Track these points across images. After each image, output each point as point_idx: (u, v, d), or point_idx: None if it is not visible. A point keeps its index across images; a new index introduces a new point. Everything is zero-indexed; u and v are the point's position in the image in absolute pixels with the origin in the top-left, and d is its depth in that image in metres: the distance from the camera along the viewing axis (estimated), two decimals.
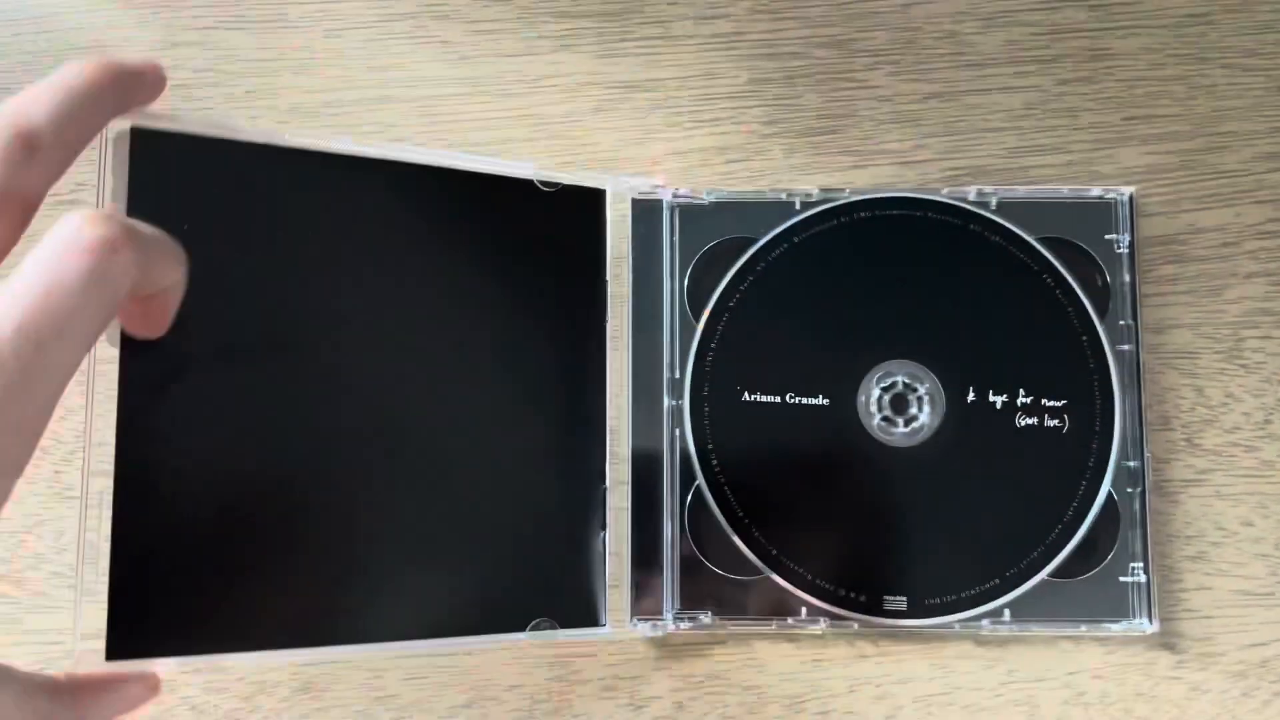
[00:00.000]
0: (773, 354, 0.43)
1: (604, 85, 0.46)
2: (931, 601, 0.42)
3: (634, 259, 0.44)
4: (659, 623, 0.42)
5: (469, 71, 0.46)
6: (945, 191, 0.44)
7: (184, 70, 0.45)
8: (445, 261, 0.40)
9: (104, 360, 0.33)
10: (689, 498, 0.43)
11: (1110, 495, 0.42)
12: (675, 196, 0.44)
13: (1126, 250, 0.43)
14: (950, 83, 0.46)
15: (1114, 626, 0.42)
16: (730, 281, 0.44)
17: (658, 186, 0.44)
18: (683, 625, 0.42)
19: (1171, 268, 0.44)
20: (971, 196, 0.44)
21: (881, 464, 0.43)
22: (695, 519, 0.43)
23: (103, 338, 0.30)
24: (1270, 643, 0.43)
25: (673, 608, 0.42)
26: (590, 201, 0.43)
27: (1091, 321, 0.43)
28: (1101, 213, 0.44)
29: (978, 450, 0.43)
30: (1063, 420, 0.43)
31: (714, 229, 0.44)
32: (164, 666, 0.33)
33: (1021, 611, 0.42)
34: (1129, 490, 0.42)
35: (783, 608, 0.42)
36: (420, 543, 0.39)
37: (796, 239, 0.44)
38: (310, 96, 0.45)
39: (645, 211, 0.44)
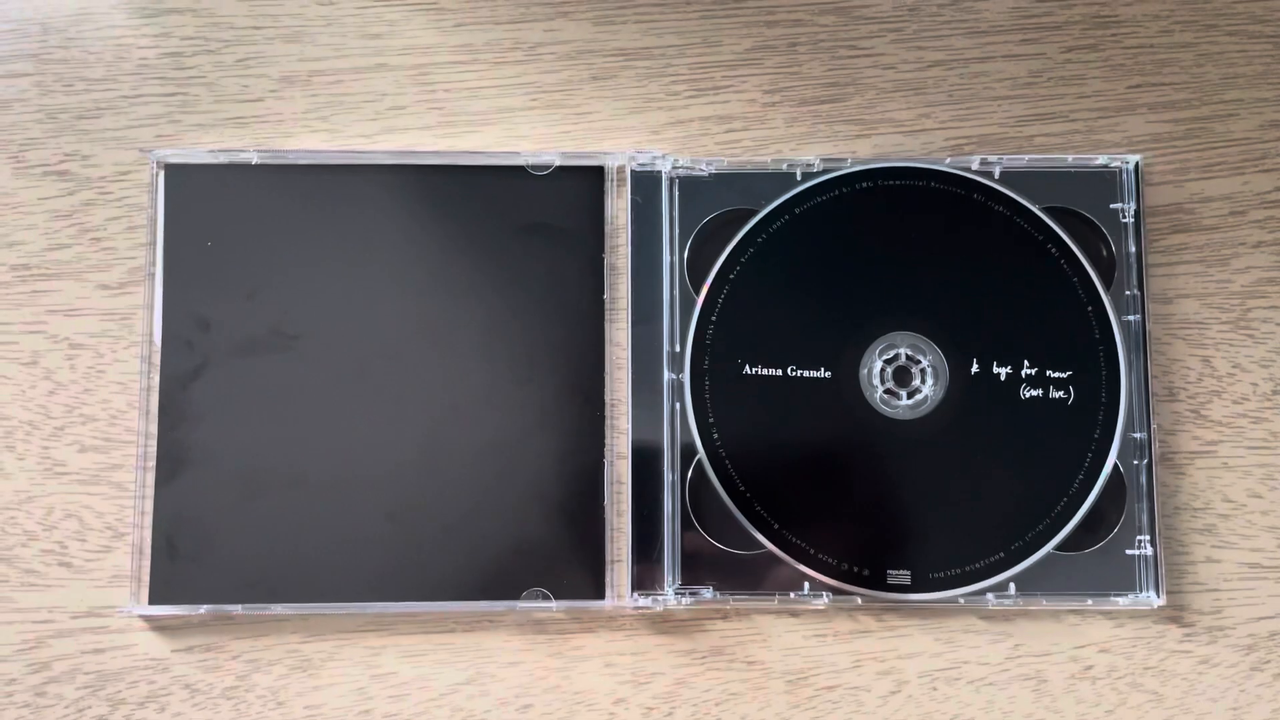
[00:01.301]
0: (774, 327, 0.43)
1: (602, 53, 0.45)
2: (936, 575, 0.41)
3: (633, 232, 0.43)
4: (659, 597, 0.41)
5: (464, 39, 0.45)
6: (948, 161, 0.43)
7: (174, 39, 0.44)
8: (446, 250, 0.43)
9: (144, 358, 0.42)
10: (690, 472, 0.42)
11: (1116, 467, 0.42)
12: (675, 168, 0.43)
13: (1132, 219, 0.43)
14: (955, 50, 0.45)
15: (1120, 600, 0.41)
16: (730, 254, 0.43)
17: (656, 157, 0.43)
18: (684, 600, 0.41)
19: (1179, 237, 0.44)
20: (975, 166, 0.43)
21: (884, 437, 0.42)
22: (697, 493, 0.42)
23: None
24: (1279, 615, 0.42)
25: (673, 582, 0.41)
26: (588, 177, 0.43)
27: (1097, 291, 0.42)
28: (1106, 182, 0.43)
29: (982, 423, 0.42)
30: (1068, 392, 0.42)
31: (714, 201, 0.43)
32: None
33: (1027, 585, 0.41)
34: (1135, 463, 0.42)
35: (785, 582, 0.41)
36: (421, 514, 0.42)
37: (797, 210, 0.43)
38: (303, 65, 0.44)
39: (643, 184, 0.43)
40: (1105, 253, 0.43)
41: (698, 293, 0.43)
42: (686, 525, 0.42)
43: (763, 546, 0.42)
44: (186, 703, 0.41)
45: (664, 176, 0.43)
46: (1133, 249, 0.43)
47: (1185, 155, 0.44)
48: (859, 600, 0.41)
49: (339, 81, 0.44)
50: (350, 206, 0.43)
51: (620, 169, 0.43)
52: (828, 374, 0.42)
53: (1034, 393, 0.42)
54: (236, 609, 0.41)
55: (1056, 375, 0.42)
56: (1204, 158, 0.44)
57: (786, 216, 0.43)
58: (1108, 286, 0.43)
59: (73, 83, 0.44)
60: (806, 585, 0.41)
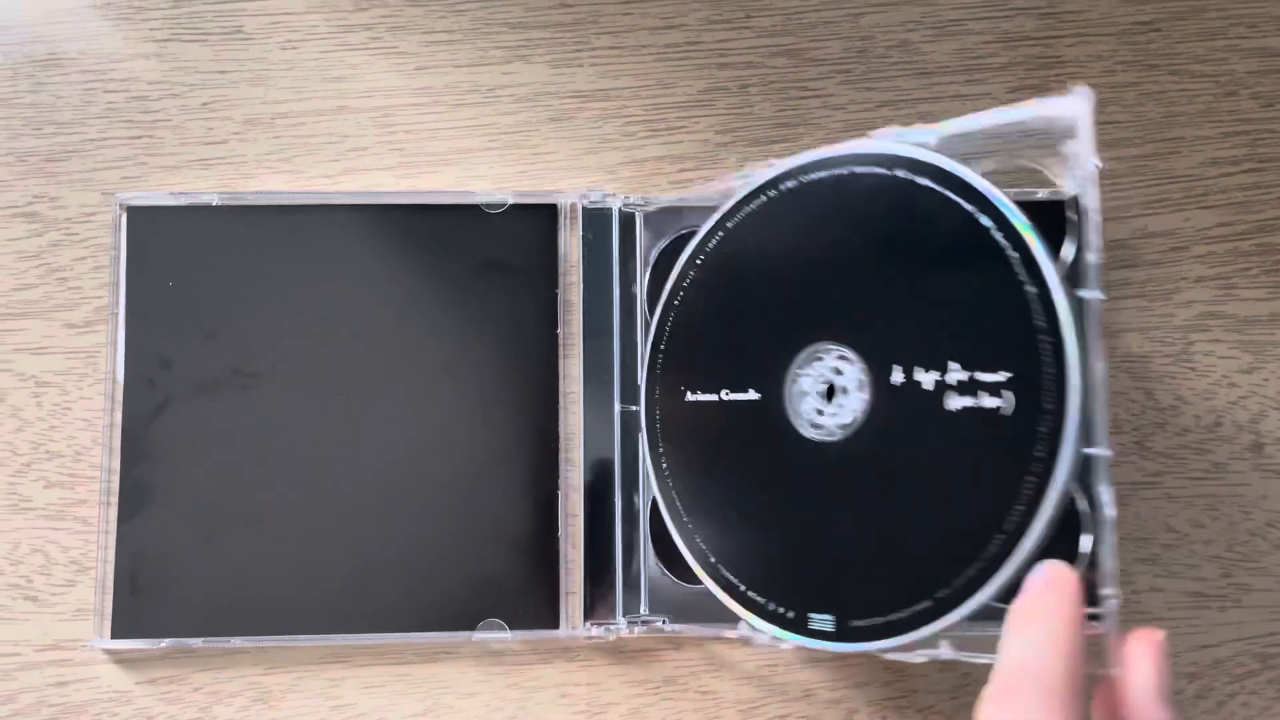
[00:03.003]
0: (709, 351, 0.41)
1: (558, 95, 0.46)
2: (858, 624, 0.35)
3: (584, 268, 0.44)
4: (611, 626, 0.42)
5: (424, 82, 0.46)
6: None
7: (140, 83, 0.46)
8: (405, 288, 0.44)
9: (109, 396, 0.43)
10: (638, 503, 0.43)
11: (1069, 495, 0.32)
12: (625, 205, 0.44)
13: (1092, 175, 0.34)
14: (902, 91, 0.46)
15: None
16: (675, 279, 0.41)
17: (607, 196, 0.44)
18: (636, 629, 0.42)
19: (1122, 272, 0.45)
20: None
21: (808, 462, 0.37)
22: (650, 523, 0.43)
23: None
24: (1223, 644, 0.43)
25: (625, 612, 0.42)
26: (542, 215, 0.45)
27: (1038, 268, 0.33)
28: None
29: (906, 444, 0.35)
30: (1005, 399, 0.33)
31: (668, 230, 0.44)
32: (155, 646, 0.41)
33: (965, 644, 0.34)
34: (1094, 487, 0.32)
35: (729, 615, 0.39)
36: (376, 547, 0.43)
37: (730, 224, 0.40)
38: (266, 108, 0.45)
39: (594, 220, 0.44)
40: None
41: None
42: (639, 555, 0.43)
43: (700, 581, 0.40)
44: None
45: (614, 212, 0.44)
46: (1091, 208, 0.32)
47: (1128, 192, 0.45)
48: (782, 646, 0.37)
49: (301, 124, 0.45)
50: (310, 246, 0.44)
51: (573, 206, 0.44)
52: (757, 396, 0.39)
53: (964, 402, 0.34)
54: (198, 643, 0.42)
55: (989, 379, 0.34)
56: (1146, 194, 0.45)
57: (721, 233, 0.41)
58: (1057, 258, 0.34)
59: (41, 126, 0.45)
60: (742, 625, 0.38)
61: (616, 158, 0.46)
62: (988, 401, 0.33)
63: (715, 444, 0.40)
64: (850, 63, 0.46)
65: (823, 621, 0.36)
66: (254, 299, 0.44)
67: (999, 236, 0.34)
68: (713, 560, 0.40)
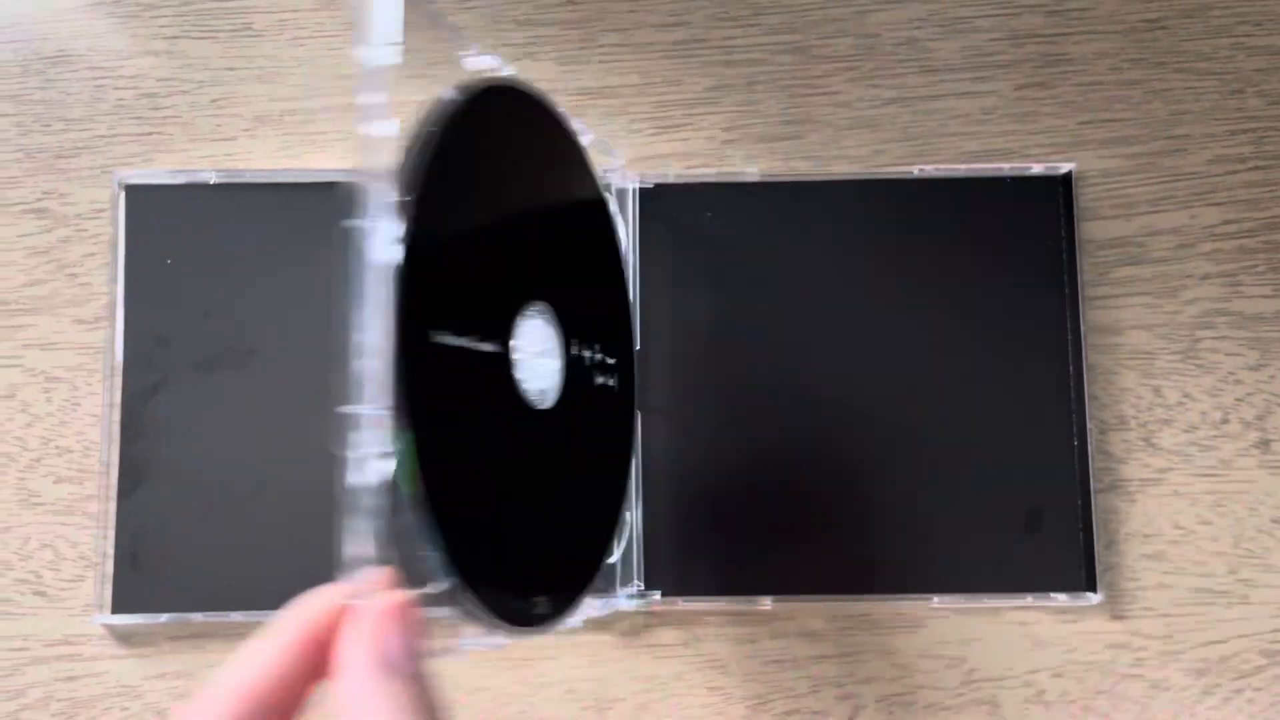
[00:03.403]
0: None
1: (566, 92, 0.46)
2: (517, 604, 0.33)
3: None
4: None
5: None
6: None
7: (150, 79, 0.46)
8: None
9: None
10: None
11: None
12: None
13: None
14: (909, 88, 0.46)
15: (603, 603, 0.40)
16: None
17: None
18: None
19: (1128, 270, 0.45)
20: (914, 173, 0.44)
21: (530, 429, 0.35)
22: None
23: None
24: (1229, 640, 0.43)
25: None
26: None
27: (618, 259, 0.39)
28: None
29: (574, 419, 0.36)
30: (615, 379, 0.38)
31: None
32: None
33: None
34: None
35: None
36: None
37: None
38: (275, 104, 0.46)
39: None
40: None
41: None
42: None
43: None
44: None
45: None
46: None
47: (1134, 190, 0.45)
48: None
49: (310, 121, 0.46)
50: (307, 223, 0.44)
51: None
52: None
53: (601, 380, 0.37)
54: (198, 617, 0.42)
55: (611, 362, 0.38)
56: (1153, 192, 0.45)
57: None
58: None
59: (51, 122, 0.45)
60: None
61: (624, 155, 0.46)
62: (608, 381, 0.38)
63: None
64: (857, 60, 0.46)
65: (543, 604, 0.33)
66: (250, 276, 0.44)
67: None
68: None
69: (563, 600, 0.33)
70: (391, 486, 0.25)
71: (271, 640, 0.24)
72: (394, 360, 0.25)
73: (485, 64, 0.34)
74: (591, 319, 0.37)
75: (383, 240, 0.26)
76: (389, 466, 0.25)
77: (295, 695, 0.24)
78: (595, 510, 0.37)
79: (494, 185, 0.32)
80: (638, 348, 0.42)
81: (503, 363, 0.32)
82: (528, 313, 0.33)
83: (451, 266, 0.29)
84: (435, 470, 0.26)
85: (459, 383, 0.29)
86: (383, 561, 0.25)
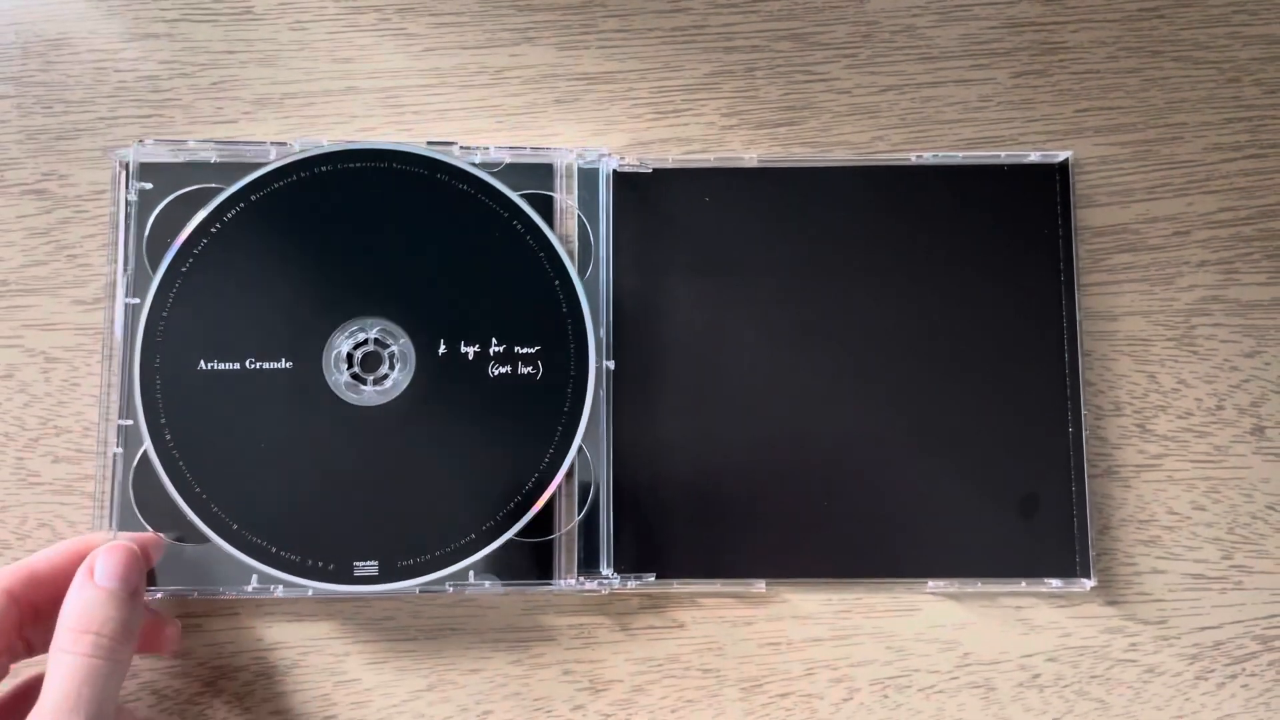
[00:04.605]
0: (233, 319, 0.42)
1: (565, 77, 0.46)
2: (405, 563, 0.41)
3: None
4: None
5: (432, 63, 0.46)
6: (425, 144, 0.43)
7: (150, 62, 0.46)
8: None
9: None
10: (134, 466, 0.41)
11: (582, 449, 0.42)
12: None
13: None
14: (907, 76, 0.46)
15: (564, 584, 0.42)
16: (183, 244, 0.42)
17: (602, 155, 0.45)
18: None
19: (1124, 256, 0.45)
20: (912, 159, 0.45)
21: (349, 425, 0.42)
22: (142, 489, 0.41)
23: None
24: (1223, 625, 0.43)
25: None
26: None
27: (564, 266, 0.43)
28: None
29: (450, 405, 0.42)
30: (536, 367, 0.42)
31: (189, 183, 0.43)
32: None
33: (490, 570, 0.42)
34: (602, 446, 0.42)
35: (236, 577, 0.41)
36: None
37: (254, 197, 0.42)
38: (275, 88, 0.46)
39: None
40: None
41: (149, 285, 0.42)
42: (129, 520, 0.41)
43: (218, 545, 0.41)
44: (155, 708, 0.42)
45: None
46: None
47: (1131, 177, 0.46)
48: (310, 593, 0.41)
49: (311, 104, 0.46)
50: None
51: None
52: (289, 364, 0.42)
53: (502, 370, 0.42)
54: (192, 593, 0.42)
55: (525, 351, 0.42)
56: (1149, 180, 0.46)
57: (242, 204, 0.42)
58: (583, 272, 0.44)
59: (51, 105, 0.46)
60: (254, 579, 0.41)
61: (622, 140, 0.46)
62: (523, 369, 0.42)
63: (240, 411, 0.42)
64: (855, 47, 0.46)
65: (367, 568, 0.41)
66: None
67: (530, 240, 0.43)
68: (235, 527, 0.41)
69: (394, 565, 0.41)
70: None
71: (51, 549, 0.39)
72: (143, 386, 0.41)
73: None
74: (492, 318, 0.42)
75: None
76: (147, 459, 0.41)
77: (58, 586, 0.38)
78: (461, 486, 0.42)
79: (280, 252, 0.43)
80: (603, 334, 0.43)
81: (292, 375, 0.42)
82: (345, 330, 0.42)
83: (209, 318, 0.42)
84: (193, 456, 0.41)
85: (222, 395, 0.41)
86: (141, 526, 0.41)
